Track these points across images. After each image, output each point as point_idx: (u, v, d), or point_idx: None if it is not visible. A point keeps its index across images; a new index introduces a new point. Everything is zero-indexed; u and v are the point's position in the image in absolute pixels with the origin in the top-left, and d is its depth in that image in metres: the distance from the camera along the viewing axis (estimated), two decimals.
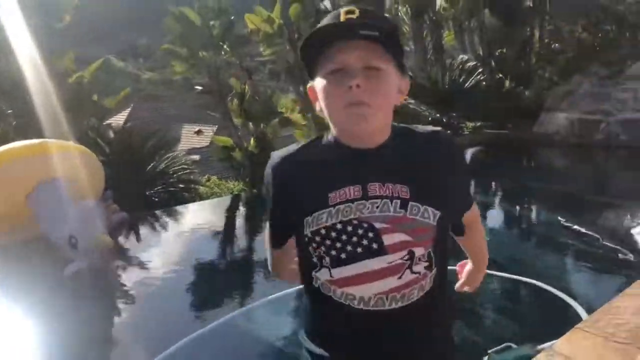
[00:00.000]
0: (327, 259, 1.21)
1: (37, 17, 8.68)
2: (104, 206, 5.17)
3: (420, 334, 1.26)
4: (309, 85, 1.25)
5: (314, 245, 1.22)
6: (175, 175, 9.25)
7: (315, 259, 1.23)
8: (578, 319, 3.57)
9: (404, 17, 16.33)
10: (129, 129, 9.16)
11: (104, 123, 10.31)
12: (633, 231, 5.71)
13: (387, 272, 1.18)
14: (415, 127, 1.30)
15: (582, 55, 12.64)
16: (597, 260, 5.18)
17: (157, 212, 8.29)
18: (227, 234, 7.65)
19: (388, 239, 1.17)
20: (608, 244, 5.33)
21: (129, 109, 21.39)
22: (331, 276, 1.21)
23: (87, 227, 4.39)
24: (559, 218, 6.15)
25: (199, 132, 23.09)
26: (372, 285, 1.19)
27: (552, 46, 13.88)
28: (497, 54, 14.49)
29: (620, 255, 5.09)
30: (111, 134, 9.31)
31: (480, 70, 13.20)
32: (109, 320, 4.87)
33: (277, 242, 1.37)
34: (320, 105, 1.21)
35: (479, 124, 12.88)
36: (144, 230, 7.54)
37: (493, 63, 13.87)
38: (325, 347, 1.30)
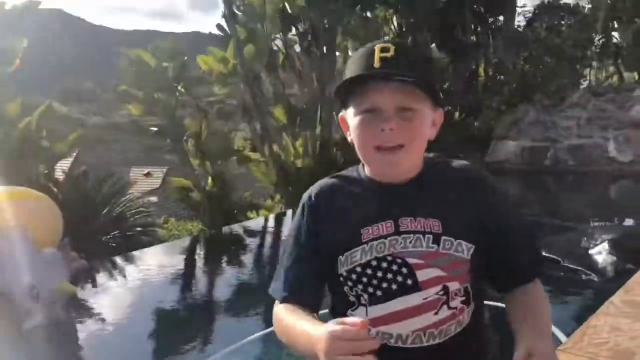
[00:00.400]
0: (365, 296, 1.18)
1: None
2: (63, 254, 4.97)
3: None
4: (340, 114, 1.24)
5: (350, 284, 1.19)
6: (132, 219, 9.01)
7: (352, 298, 1.20)
8: (556, 341, 3.62)
9: (349, 50, 16.74)
10: (82, 173, 8.90)
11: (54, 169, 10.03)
12: (590, 252, 5.87)
13: (423, 309, 1.15)
14: (446, 160, 1.29)
15: (526, 86, 13.22)
16: (561, 282, 5.30)
17: (115, 258, 8.02)
18: (187, 277, 7.46)
19: (422, 275, 1.15)
20: (569, 265, 5.46)
21: (74, 154, 20.85)
22: (367, 316, 1.17)
23: (49, 276, 4.21)
24: None
25: (148, 175, 22.74)
26: (409, 322, 1.16)
27: (497, 78, 14.47)
28: (445, 86, 14.96)
29: (583, 276, 5.23)
30: (63, 180, 9.02)
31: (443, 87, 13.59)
32: None
33: (294, 288, 1.25)
34: (351, 137, 1.21)
35: (431, 155, 13.15)
36: (101, 278, 7.27)
37: (442, 95, 14.29)
38: None
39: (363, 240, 1.17)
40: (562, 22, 13.88)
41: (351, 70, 1.14)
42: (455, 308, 1.17)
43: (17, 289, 4.29)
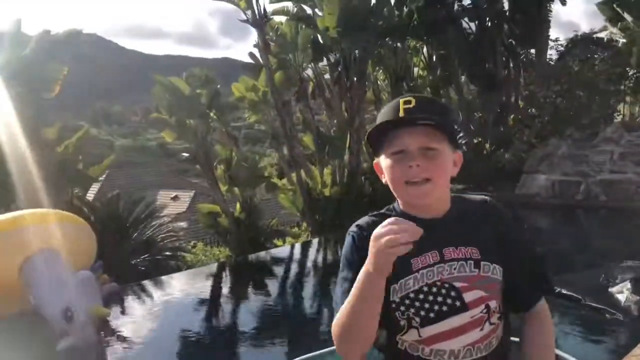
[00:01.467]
0: (417, 319, 1.33)
1: (26, 87, 8.73)
2: (96, 276, 5.04)
3: None
4: (375, 161, 1.41)
5: (402, 309, 1.34)
6: (161, 243, 9.10)
7: (402, 322, 1.35)
8: None
9: (383, 83, 16.84)
10: (115, 197, 9.05)
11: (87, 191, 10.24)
12: (612, 290, 5.75)
13: (470, 326, 1.32)
14: (466, 195, 1.47)
15: (558, 119, 13.08)
16: (586, 320, 5.18)
17: (143, 282, 8.09)
18: (213, 304, 7.48)
19: (468, 297, 1.32)
20: (591, 303, 5.34)
21: (104, 177, 21.27)
22: (420, 336, 1.33)
23: (83, 298, 4.26)
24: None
25: (175, 198, 22.99)
26: (460, 339, 1.32)
27: (529, 110, 14.36)
28: (476, 118, 14.92)
29: (607, 315, 5.10)
30: (97, 203, 9.18)
31: (461, 134, 13.52)
32: None
33: None
34: (385, 180, 1.37)
35: (461, 186, 13.06)
36: (129, 301, 7.33)
37: (472, 127, 14.25)
38: None
39: (413, 270, 1.32)
40: (596, 56, 13.77)
41: (380, 120, 1.34)
42: (494, 324, 1.35)
43: (52, 310, 4.35)
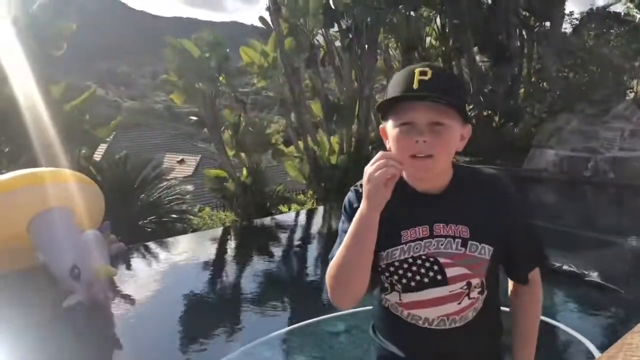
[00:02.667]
0: (399, 286, 1.43)
1: (35, 44, 8.66)
2: (104, 236, 5.08)
3: (472, 347, 1.48)
4: (381, 126, 1.42)
5: (387, 274, 1.44)
6: (168, 206, 9.14)
7: (386, 285, 1.46)
8: (590, 355, 3.56)
9: (394, 52, 16.62)
10: (123, 158, 9.06)
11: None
12: (621, 266, 5.76)
13: (448, 299, 1.40)
14: (476, 169, 1.50)
15: (569, 93, 12.92)
16: (589, 295, 5.20)
17: (150, 243, 8.16)
18: (217, 267, 7.54)
19: (450, 272, 1.39)
20: (593, 279, 5.36)
21: (111, 138, 21.27)
22: (400, 299, 1.44)
23: (91, 257, 4.31)
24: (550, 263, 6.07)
25: (181, 162, 23.04)
26: (436, 309, 1.41)
27: (540, 84, 14.18)
28: (486, 91, 14.74)
29: (610, 291, 5.13)
30: (105, 164, 9.20)
31: (470, 107, 13.39)
32: (104, 355, 4.71)
33: None
34: (389, 146, 1.38)
35: (468, 159, 13.01)
36: (136, 262, 7.40)
37: (482, 100, 14.10)
38: (391, 346, 1.52)
39: (402, 241, 1.39)
40: (611, 31, 13.51)
41: (393, 89, 1.33)
42: (474, 298, 1.43)
43: (60, 268, 4.41)
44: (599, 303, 5.06)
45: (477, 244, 1.38)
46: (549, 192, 12.12)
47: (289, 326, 4.81)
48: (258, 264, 7.79)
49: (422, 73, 1.30)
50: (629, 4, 15.03)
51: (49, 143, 7.64)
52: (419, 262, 1.39)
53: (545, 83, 13.85)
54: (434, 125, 1.29)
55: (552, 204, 11.50)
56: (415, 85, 1.28)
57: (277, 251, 8.43)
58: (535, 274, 1.53)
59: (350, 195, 1.47)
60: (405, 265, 1.40)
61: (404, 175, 1.41)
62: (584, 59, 13.19)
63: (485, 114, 13.98)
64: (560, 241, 7.52)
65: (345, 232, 1.39)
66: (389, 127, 1.36)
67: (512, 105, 13.99)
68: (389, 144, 1.38)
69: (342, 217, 1.48)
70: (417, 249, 1.38)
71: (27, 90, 8.11)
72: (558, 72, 13.26)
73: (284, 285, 6.76)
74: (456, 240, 1.38)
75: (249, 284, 6.75)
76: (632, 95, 14.63)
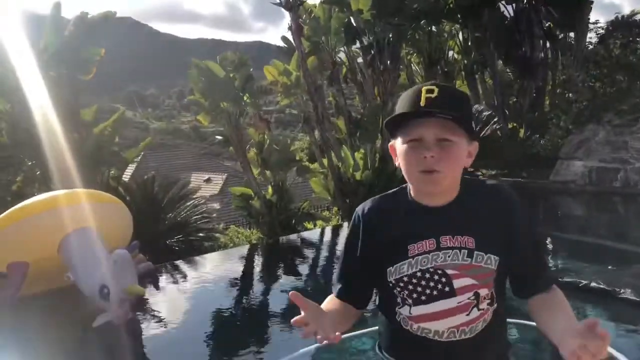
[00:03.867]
0: (410, 300, 1.45)
1: (65, 69, 8.92)
2: (132, 256, 5.16)
3: (482, 358, 1.50)
4: (390, 143, 1.47)
5: (398, 289, 1.46)
6: (195, 224, 9.26)
7: (399, 299, 1.48)
8: None
9: (417, 67, 16.64)
10: (151, 178, 9.22)
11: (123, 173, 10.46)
12: None
13: (457, 310, 1.42)
14: (481, 181, 1.58)
15: (596, 104, 12.73)
16: (623, 311, 5.06)
17: (178, 262, 8.25)
18: (245, 285, 7.56)
19: (457, 283, 1.41)
20: (631, 297, 5.19)
21: (139, 158, 21.66)
22: (410, 313, 1.46)
23: (120, 276, 4.39)
24: (577, 280, 5.84)
25: (208, 180, 23.29)
26: (446, 322, 1.43)
27: (566, 95, 14.02)
28: (510, 103, 14.63)
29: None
30: (133, 184, 9.37)
31: (495, 119, 13.30)
32: None
33: (344, 289, 1.58)
34: (399, 163, 1.43)
35: (494, 172, 12.90)
36: (163, 281, 7.48)
37: (507, 112, 13.99)
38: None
39: (409, 255, 1.42)
40: (638, 39, 13.31)
41: (401, 107, 1.38)
42: (483, 309, 1.44)
43: (89, 288, 4.49)
44: (634, 320, 4.93)
45: (483, 254, 1.40)
46: (577, 204, 11.90)
47: (317, 343, 4.80)
48: (285, 281, 7.80)
49: (429, 91, 1.33)
50: None
51: (79, 165, 7.81)
52: (427, 275, 1.41)
53: (570, 94, 13.68)
54: (442, 142, 1.33)
55: (582, 216, 11.28)
56: (422, 103, 1.32)
57: (304, 268, 8.43)
58: (556, 288, 1.52)
59: (351, 220, 1.55)
60: (414, 280, 1.42)
61: (411, 191, 1.47)
62: (610, 68, 13.01)
63: (510, 126, 13.86)
64: (591, 254, 7.39)
65: (341, 261, 1.57)
66: (398, 144, 1.42)
67: (538, 117, 13.85)
68: (398, 160, 1.43)
69: (347, 239, 1.56)
70: (424, 262, 1.41)
71: (58, 115, 8.33)
72: (584, 83, 13.09)
73: (311, 300, 6.75)
74: (462, 251, 1.40)
75: (277, 301, 6.76)
76: None
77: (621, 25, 13.80)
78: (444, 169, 1.35)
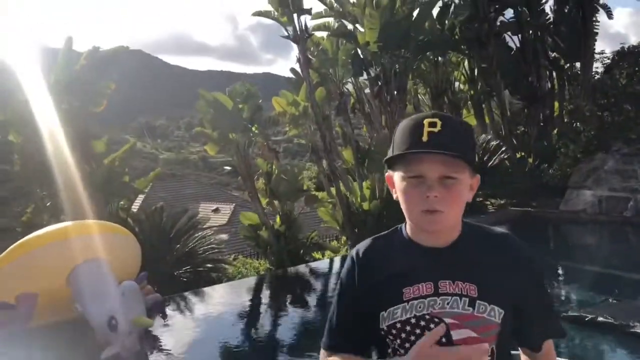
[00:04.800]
0: (402, 350, 1.29)
1: (76, 102, 9.06)
2: (141, 287, 5.15)
3: None
4: (387, 173, 1.37)
5: (390, 337, 1.31)
6: (203, 255, 9.25)
7: (389, 350, 1.33)
8: None
9: (423, 98, 16.76)
10: (160, 209, 9.26)
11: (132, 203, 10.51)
12: None
13: None
14: (485, 227, 1.43)
15: (604, 133, 12.74)
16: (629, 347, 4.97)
17: (186, 293, 8.22)
18: (253, 316, 7.53)
19: (456, 334, 1.26)
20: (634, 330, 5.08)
21: (147, 189, 21.78)
22: None
23: (128, 308, 4.38)
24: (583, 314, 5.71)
25: (216, 211, 23.32)
26: None
27: (574, 125, 14.04)
28: (518, 132, 14.67)
29: None
30: (142, 215, 9.41)
31: (503, 149, 13.32)
32: None
33: (338, 339, 1.41)
34: (396, 195, 1.33)
35: (503, 201, 12.86)
36: (172, 312, 7.45)
37: (515, 142, 14.02)
38: None
39: (404, 299, 1.29)
40: None
41: (401, 140, 1.28)
42: None
43: (97, 319, 4.48)
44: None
45: (486, 304, 1.27)
46: (588, 233, 11.81)
47: None
48: (293, 312, 7.75)
49: (431, 124, 1.24)
50: None
51: (90, 196, 7.87)
52: (423, 322, 1.27)
53: (578, 123, 13.70)
54: (445, 179, 1.24)
55: (592, 246, 11.19)
56: (424, 138, 1.23)
57: (312, 299, 8.38)
58: (549, 343, 1.44)
59: (345, 265, 1.41)
60: (408, 327, 1.28)
61: (408, 229, 1.37)
62: (617, 97, 13.04)
63: (518, 155, 13.86)
64: (602, 284, 7.30)
65: (334, 310, 1.41)
66: (397, 178, 1.31)
67: (546, 146, 13.85)
68: (396, 193, 1.33)
69: (337, 288, 1.43)
70: (420, 307, 1.27)
71: (69, 146, 8.43)
72: (591, 112, 13.11)
73: (320, 334, 6.69)
74: (463, 299, 1.27)
75: (285, 333, 6.72)
76: None
77: (627, 55, 13.88)
78: (447, 208, 1.25)
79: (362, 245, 1.41)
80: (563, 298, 8.01)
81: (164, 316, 7.16)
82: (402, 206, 1.32)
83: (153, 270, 7.09)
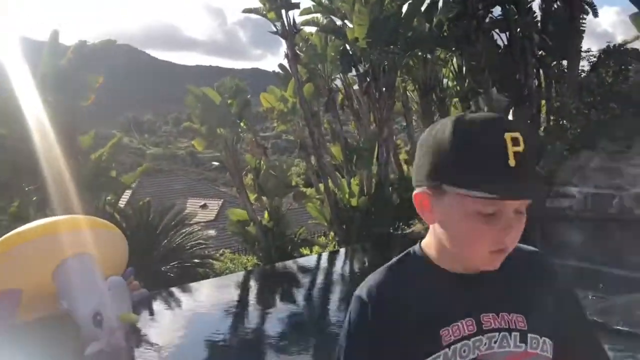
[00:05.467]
0: None
1: (63, 97, 8.98)
2: (127, 282, 5.13)
3: None
4: (422, 191, 1.03)
5: None
6: (190, 251, 9.23)
7: None
8: None
9: (412, 94, 16.79)
10: (147, 205, 9.22)
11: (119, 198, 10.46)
12: None
13: None
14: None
15: (590, 131, 12.84)
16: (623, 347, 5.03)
17: (173, 289, 8.20)
18: (240, 312, 7.53)
19: None
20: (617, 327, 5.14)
21: (135, 184, 21.68)
22: None
23: (114, 303, 4.36)
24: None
25: (204, 206, 23.27)
26: None
27: (560, 122, 14.14)
28: None
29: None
30: (129, 210, 9.37)
31: None
32: None
33: None
34: (440, 223, 1.03)
35: None
36: (159, 308, 7.43)
37: None
38: None
39: (444, 344, 1.02)
40: (630, 67, 13.49)
41: (476, 158, 0.94)
42: None
43: (83, 315, 4.45)
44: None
45: (538, 337, 1.05)
46: (574, 230, 11.93)
47: None
48: (281, 308, 7.76)
49: (514, 141, 0.94)
50: None
51: (76, 191, 7.83)
52: None
53: (565, 121, 13.81)
54: (516, 214, 0.99)
55: (577, 242, 11.32)
56: (511, 162, 0.93)
57: (300, 295, 8.39)
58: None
59: (355, 308, 1.08)
60: None
61: (429, 252, 1.09)
62: (603, 95, 13.15)
63: None
64: (588, 280, 7.39)
65: (354, 350, 1.07)
66: (456, 206, 0.98)
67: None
68: (436, 218, 1.04)
69: (345, 339, 1.09)
70: (464, 352, 1.01)
71: (56, 141, 8.37)
72: (577, 110, 13.22)
73: (307, 329, 6.72)
74: (513, 334, 1.03)
75: (272, 329, 6.73)
76: None
77: (613, 54, 13.99)
78: (513, 245, 1.01)
79: (373, 281, 1.09)
80: None
81: (151, 312, 7.15)
82: (458, 242, 1.02)
83: (140, 266, 7.06)
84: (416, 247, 1.12)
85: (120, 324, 4.43)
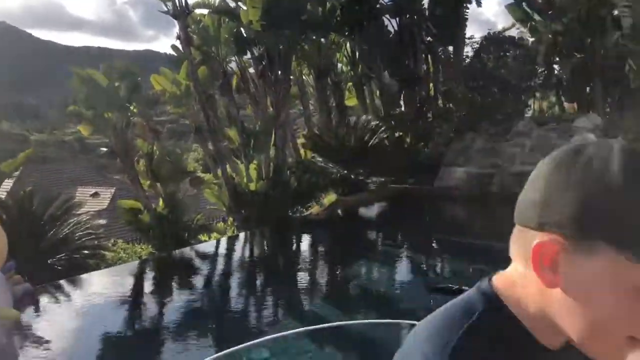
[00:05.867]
0: None
1: None
2: (7, 277, 4.81)
3: None
4: (550, 238, 0.66)
5: None
6: (79, 241, 8.79)
7: None
8: None
9: (308, 78, 16.94)
10: (29, 194, 8.64)
11: None
12: None
13: None
14: None
15: (474, 114, 13.67)
16: None
17: (60, 281, 7.79)
18: (135, 302, 7.33)
19: None
20: None
21: (17, 173, 20.20)
22: None
23: None
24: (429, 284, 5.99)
25: (95, 195, 22.23)
26: None
27: (447, 106, 14.92)
28: (397, 113, 15.31)
29: None
30: (9, 201, 8.74)
31: (382, 128, 13.86)
32: None
33: None
34: (567, 292, 0.68)
35: (383, 179, 13.42)
36: (44, 302, 7.04)
37: (393, 122, 14.62)
38: None
39: None
40: (508, 54, 14.48)
41: None
42: None
43: None
44: None
45: None
46: (460, 207, 12.71)
47: (215, 354, 4.75)
48: (177, 296, 7.63)
49: None
50: (522, 28, 16.21)
51: None
52: None
53: (451, 104, 14.60)
54: None
55: (463, 219, 12.08)
56: None
57: (198, 281, 8.29)
58: None
59: None
60: None
61: (525, 317, 0.72)
62: (485, 80, 14.03)
63: (396, 135, 14.49)
64: (472, 254, 7.91)
65: None
66: (605, 274, 0.65)
67: (422, 126, 14.60)
68: (564, 284, 0.67)
69: None
70: None
71: None
72: (462, 94, 14.01)
73: (206, 315, 6.68)
74: None
75: (170, 317, 6.60)
76: (530, 113, 15.72)
77: (493, 41, 14.93)
78: None
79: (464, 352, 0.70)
80: (438, 270, 8.60)
81: (37, 307, 6.76)
82: (589, 322, 0.68)
83: (23, 259, 6.65)
84: (491, 295, 0.75)
85: (0, 321, 4.15)
